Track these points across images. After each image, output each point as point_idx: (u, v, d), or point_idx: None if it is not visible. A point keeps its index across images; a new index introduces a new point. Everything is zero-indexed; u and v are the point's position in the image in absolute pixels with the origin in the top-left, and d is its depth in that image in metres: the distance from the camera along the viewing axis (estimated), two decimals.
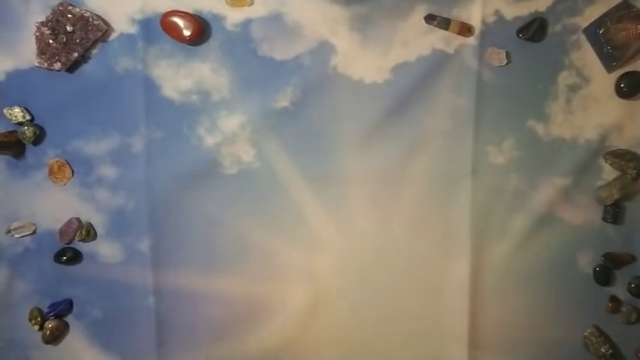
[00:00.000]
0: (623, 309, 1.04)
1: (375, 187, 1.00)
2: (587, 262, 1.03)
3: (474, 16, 0.97)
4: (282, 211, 1.00)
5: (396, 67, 0.98)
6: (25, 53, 0.95)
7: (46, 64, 0.94)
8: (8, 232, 1.00)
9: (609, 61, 0.97)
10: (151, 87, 0.96)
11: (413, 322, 1.03)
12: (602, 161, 1.01)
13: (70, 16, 0.93)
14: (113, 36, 0.96)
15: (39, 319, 1.01)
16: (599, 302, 1.04)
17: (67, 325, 1.02)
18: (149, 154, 0.98)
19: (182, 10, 0.94)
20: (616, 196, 0.99)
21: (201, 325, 1.02)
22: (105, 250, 1.01)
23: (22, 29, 0.95)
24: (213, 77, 0.97)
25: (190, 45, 0.96)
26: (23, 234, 1.00)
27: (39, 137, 0.97)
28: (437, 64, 0.98)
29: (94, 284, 1.01)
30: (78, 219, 1.00)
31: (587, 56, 0.98)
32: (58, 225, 1.00)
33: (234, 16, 0.96)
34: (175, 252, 1.00)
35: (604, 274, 1.03)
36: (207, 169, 0.99)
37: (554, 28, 0.98)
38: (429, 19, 0.96)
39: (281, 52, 0.97)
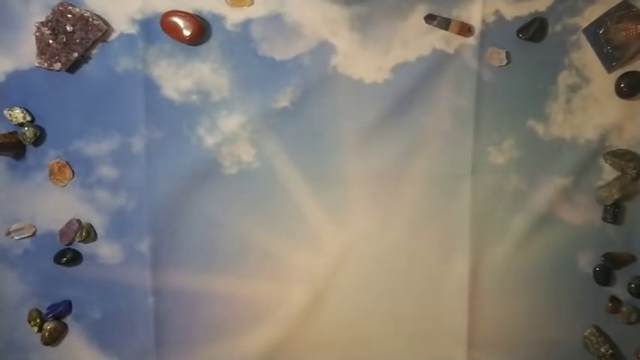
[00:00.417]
0: (623, 309, 1.04)
1: (375, 187, 1.00)
2: (587, 262, 1.03)
3: (474, 16, 0.97)
4: (282, 211, 1.00)
5: (396, 67, 0.98)
6: (25, 54, 0.95)
7: (46, 65, 0.94)
8: (8, 233, 0.99)
9: (609, 61, 0.97)
10: (151, 87, 0.96)
11: (412, 321, 1.03)
12: (602, 161, 1.01)
13: (70, 16, 0.93)
14: (113, 36, 0.96)
15: (38, 320, 1.00)
16: (599, 302, 1.04)
17: (65, 327, 1.02)
18: (149, 155, 0.98)
19: (182, 10, 0.94)
20: (616, 196, 1.00)
21: (200, 326, 1.02)
22: (105, 250, 1.01)
23: (22, 30, 0.94)
24: (213, 77, 0.97)
25: (190, 45, 0.96)
26: (23, 236, 1.00)
27: (39, 138, 0.97)
28: (437, 64, 0.98)
29: (93, 285, 1.01)
30: (78, 220, 0.99)
31: (587, 56, 0.99)
32: (58, 226, 0.99)
33: (234, 16, 0.96)
34: (175, 252, 1.00)
35: (604, 274, 1.03)
36: (208, 169, 0.99)
37: (554, 28, 0.98)
38: (429, 19, 0.96)
39: (281, 52, 0.97)
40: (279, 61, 0.97)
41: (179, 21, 0.94)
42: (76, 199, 0.99)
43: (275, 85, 0.97)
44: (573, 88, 0.99)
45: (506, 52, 0.97)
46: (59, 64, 0.94)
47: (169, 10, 0.94)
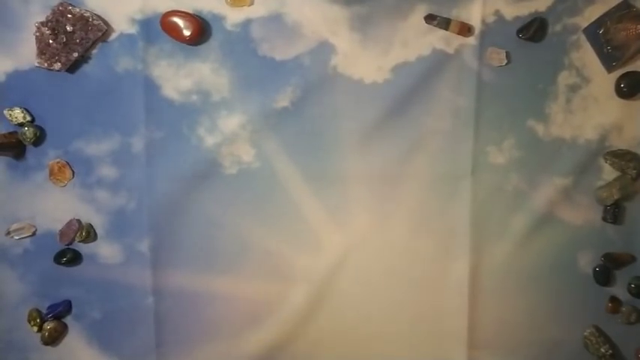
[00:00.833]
0: (623, 309, 1.04)
1: (375, 187, 1.00)
2: (587, 262, 1.03)
3: (474, 16, 0.97)
4: (282, 211, 1.00)
5: (396, 67, 0.98)
6: (25, 54, 0.95)
7: (46, 65, 0.94)
8: (8, 233, 0.99)
9: (609, 61, 0.97)
10: (151, 87, 0.96)
11: (412, 322, 1.03)
12: (602, 161, 1.01)
13: (70, 16, 0.93)
14: (113, 36, 0.96)
15: (38, 320, 1.00)
16: (599, 302, 1.04)
17: (65, 327, 1.02)
18: (149, 155, 0.98)
19: (182, 10, 0.94)
20: (616, 197, 0.99)
21: (200, 326, 1.02)
22: (105, 250, 1.01)
23: (22, 30, 0.94)
24: (213, 77, 0.97)
25: (190, 45, 0.96)
26: (23, 235, 1.00)
27: (39, 138, 0.97)
28: (437, 64, 0.98)
29: (93, 285, 1.01)
30: (78, 220, 0.99)
31: (587, 56, 0.99)
32: (58, 226, 1.00)
33: (234, 16, 0.96)
34: (175, 252, 1.00)
35: (604, 275, 1.03)
36: (208, 169, 0.99)
37: (554, 28, 0.98)
38: (429, 19, 0.96)
39: (281, 52, 0.97)
40: (279, 61, 0.97)
41: (179, 21, 0.94)
42: (76, 199, 0.99)
43: (275, 85, 0.97)
44: (573, 88, 0.99)
45: (506, 52, 0.97)
46: (59, 64, 0.94)
47: (169, 10, 0.94)
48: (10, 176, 0.98)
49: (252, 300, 1.01)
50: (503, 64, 0.98)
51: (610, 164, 1.01)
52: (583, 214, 1.02)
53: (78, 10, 0.93)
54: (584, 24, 0.98)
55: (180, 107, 0.97)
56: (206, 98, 0.97)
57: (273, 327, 1.02)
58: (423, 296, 1.03)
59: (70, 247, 1.00)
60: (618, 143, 1.01)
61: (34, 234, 1.00)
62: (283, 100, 0.98)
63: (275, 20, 0.96)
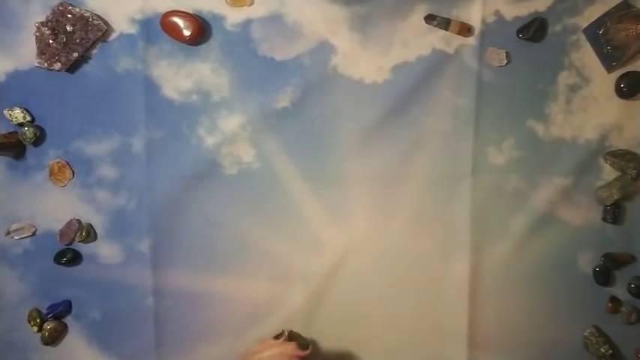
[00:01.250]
0: (623, 309, 1.04)
1: (375, 187, 1.00)
2: (587, 262, 1.03)
3: (474, 16, 0.97)
4: (282, 211, 1.00)
5: (396, 67, 0.98)
6: (25, 54, 0.95)
7: (46, 65, 0.94)
8: (8, 233, 0.99)
9: (609, 61, 0.97)
10: (151, 87, 0.96)
11: (412, 321, 1.03)
12: (602, 161, 1.01)
13: (70, 16, 0.93)
14: (113, 36, 0.96)
15: (38, 320, 1.00)
16: (599, 302, 1.04)
17: (65, 327, 1.02)
18: (149, 155, 0.98)
19: (182, 10, 0.94)
20: (616, 197, 0.99)
21: (200, 326, 1.02)
22: (105, 250, 1.01)
23: (22, 30, 0.94)
24: (213, 77, 0.97)
25: (190, 45, 0.96)
26: (23, 235, 1.00)
27: (39, 138, 0.97)
28: (437, 64, 0.98)
29: (93, 285, 1.01)
30: (78, 220, 0.99)
31: (587, 56, 0.99)
32: (58, 226, 1.00)
33: (234, 16, 0.96)
34: (175, 252, 1.00)
35: (604, 275, 1.03)
36: (208, 169, 0.99)
37: (554, 28, 0.98)
38: (429, 19, 0.96)
39: (281, 52, 0.97)
40: (279, 61, 0.97)
41: (179, 21, 0.94)
42: (76, 199, 0.99)
43: (275, 85, 0.97)
44: (573, 88, 0.99)
45: (506, 52, 0.97)
46: (59, 64, 0.94)
47: (169, 10, 0.94)
48: (10, 176, 0.98)
49: (251, 300, 1.01)
50: (503, 64, 0.98)
51: (610, 164, 1.01)
52: (583, 214, 1.02)
53: (78, 10, 0.93)
54: (584, 24, 0.98)
55: (180, 107, 0.97)
56: (206, 98, 0.97)
57: (273, 327, 1.02)
58: (422, 296, 1.03)
59: (70, 247, 1.00)
60: (618, 143, 1.01)
61: (34, 234, 1.00)
62: (283, 100, 0.98)
63: (275, 20, 0.96)
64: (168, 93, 0.97)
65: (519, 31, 0.97)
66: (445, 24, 0.96)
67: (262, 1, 0.96)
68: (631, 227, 1.03)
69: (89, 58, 0.96)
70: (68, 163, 0.98)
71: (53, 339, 1.01)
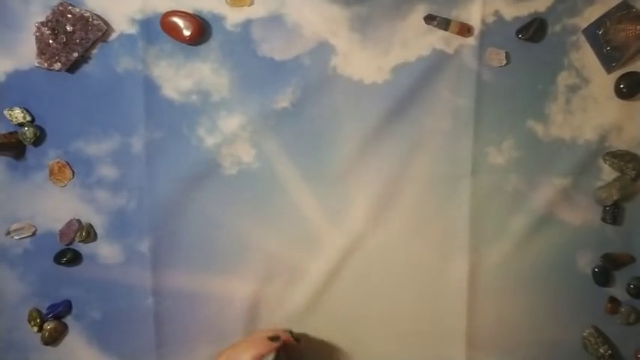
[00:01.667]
0: (622, 310, 1.04)
1: (374, 187, 1.00)
2: (586, 262, 1.03)
3: (474, 16, 0.97)
4: (282, 211, 1.00)
5: (395, 67, 0.98)
6: (25, 54, 0.95)
7: (46, 65, 0.94)
8: (8, 233, 0.99)
9: (609, 61, 0.97)
10: (150, 87, 0.96)
11: (411, 321, 1.03)
12: (601, 162, 1.01)
13: (70, 16, 0.93)
14: (113, 36, 0.96)
15: (38, 320, 1.00)
16: (598, 303, 1.04)
17: (65, 327, 1.02)
18: (149, 155, 0.98)
19: (182, 10, 0.94)
20: (615, 197, 0.99)
21: (200, 326, 1.02)
22: (105, 251, 1.01)
23: (22, 30, 0.95)
24: (213, 77, 0.97)
25: (190, 45, 0.96)
26: (23, 235, 1.00)
27: (39, 138, 0.97)
28: (437, 64, 0.98)
29: (93, 285, 1.01)
30: (78, 220, 0.99)
31: (586, 57, 0.99)
32: (58, 226, 1.00)
33: (234, 17, 0.96)
34: (175, 252, 1.00)
35: (603, 275, 1.03)
36: (207, 169, 0.99)
37: (554, 29, 0.98)
38: (429, 19, 0.96)
39: (281, 52, 0.97)
40: (279, 61, 0.97)
41: (179, 21, 0.94)
42: (76, 199, 0.99)
43: (275, 85, 0.97)
44: (573, 89, 0.99)
45: (506, 53, 0.97)
46: (59, 64, 0.94)
47: (169, 10, 0.94)
48: (10, 176, 0.99)
49: (251, 300, 1.01)
50: (503, 64, 0.98)
51: (609, 165, 1.01)
52: (582, 215, 1.02)
53: (78, 10, 0.93)
54: (584, 24, 0.98)
55: (180, 107, 0.97)
56: (206, 98, 0.97)
57: (273, 327, 1.02)
58: (421, 296, 1.03)
59: (70, 247, 1.00)
60: (618, 144, 1.01)
61: (34, 234, 1.00)
62: (283, 101, 0.98)
63: (275, 21, 0.96)
64: (168, 93, 0.97)
65: (519, 31, 0.97)
66: (445, 24, 0.96)
67: (262, 1, 0.96)
68: (630, 228, 1.03)
69: (89, 58, 0.96)
70: (68, 163, 0.98)
71: (53, 339, 1.01)
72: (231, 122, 0.98)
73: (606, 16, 0.97)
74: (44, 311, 1.01)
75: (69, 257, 0.99)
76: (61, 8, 0.93)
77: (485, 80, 0.98)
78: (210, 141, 0.98)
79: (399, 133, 0.99)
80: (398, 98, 0.98)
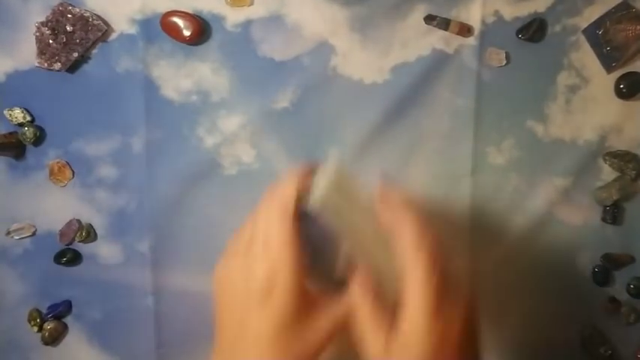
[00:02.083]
0: (622, 310, 1.04)
1: (374, 187, 1.00)
2: (586, 262, 1.03)
3: (474, 16, 0.97)
4: None
5: (395, 67, 0.98)
6: (25, 54, 0.95)
7: (46, 65, 0.94)
8: (8, 233, 0.99)
9: (609, 61, 0.97)
10: (150, 87, 0.96)
11: None
12: (601, 162, 1.01)
13: (70, 16, 0.93)
14: (113, 36, 0.96)
15: (38, 320, 1.00)
16: (598, 303, 1.04)
17: (65, 327, 1.02)
18: (149, 155, 0.98)
19: (182, 10, 0.94)
20: (615, 197, 0.99)
21: (200, 326, 1.02)
22: (105, 251, 1.01)
23: (22, 30, 0.94)
24: (213, 77, 0.97)
25: (190, 45, 0.96)
26: (23, 235, 1.00)
27: (39, 138, 0.97)
28: (436, 64, 0.98)
29: (93, 285, 1.01)
30: (78, 220, 0.99)
31: (586, 57, 0.98)
32: (58, 226, 1.00)
33: (234, 17, 0.96)
34: (175, 252, 1.00)
35: (603, 275, 1.03)
36: (207, 169, 0.99)
37: (554, 29, 0.98)
38: (429, 19, 0.96)
39: (281, 52, 0.97)
40: (279, 61, 0.97)
41: (179, 21, 0.94)
42: (76, 199, 0.99)
43: (275, 85, 0.97)
44: (573, 89, 0.99)
45: (506, 53, 0.97)
46: (59, 64, 0.94)
47: (169, 10, 0.94)
48: (10, 176, 0.99)
49: None
50: (503, 64, 0.98)
51: (609, 165, 1.01)
52: (582, 215, 1.02)
53: (78, 10, 0.93)
54: (584, 24, 0.98)
55: (180, 107, 0.97)
56: (206, 98, 0.97)
57: None
58: None
59: (70, 247, 1.00)
60: (618, 144, 1.01)
61: (34, 234, 1.00)
62: (283, 101, 0.98)
63: (275, 21, 0.96)
64: (168, 93, 0.97)
65: (519, 31, 0.97)
66: (445, 24, 0.96)
67: (262, 1, 0.96)
68: (630, 228, 1.03)
69: (89, 58, 0.96)
70: (68, 163, 0.98)
71: (53, 339, 1.01)
72: (231, 122, 0.98)
73: (606, 16, 0.97)
74: (44, 311, 1.01)
75: (69, 257, 0.99)
76: (61, 8, 0.93)
77: (485, 80, 0.98)
78: (210, 141, 0.98)
79: (398, 133, 0.99)
80: (398, 98, 0.98)
